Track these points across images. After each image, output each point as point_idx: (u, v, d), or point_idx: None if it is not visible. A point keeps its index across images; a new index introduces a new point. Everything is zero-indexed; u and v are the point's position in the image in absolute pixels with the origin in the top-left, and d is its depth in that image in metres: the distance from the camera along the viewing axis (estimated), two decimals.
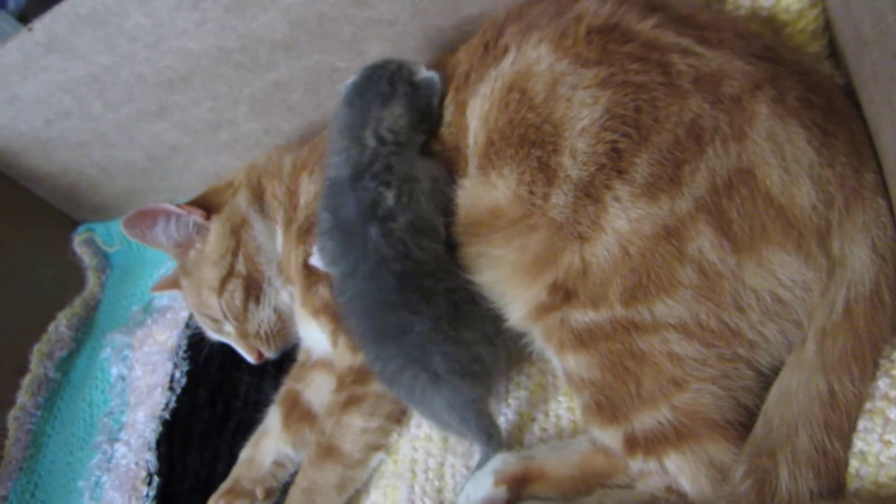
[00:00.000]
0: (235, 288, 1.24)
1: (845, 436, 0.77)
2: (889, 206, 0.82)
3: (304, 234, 1.19)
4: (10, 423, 1.45)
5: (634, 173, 0.84)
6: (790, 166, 0.80)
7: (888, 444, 0.75)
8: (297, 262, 1.20)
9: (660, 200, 0.82)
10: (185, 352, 1.39)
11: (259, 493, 1.15)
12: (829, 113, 0.84)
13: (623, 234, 0.83)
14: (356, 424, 1.05)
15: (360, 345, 1.01)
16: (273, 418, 1.23)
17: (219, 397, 1.33)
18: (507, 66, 0.98)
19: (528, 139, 0.91)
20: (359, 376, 1.08)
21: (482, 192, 0.97)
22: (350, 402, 1.06)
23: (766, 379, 0.82)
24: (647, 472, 0.84)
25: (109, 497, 1.27)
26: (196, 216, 1.25)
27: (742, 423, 0.81)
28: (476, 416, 0.92)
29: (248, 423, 1.26)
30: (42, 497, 1.39)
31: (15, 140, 1.48)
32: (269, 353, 1.27)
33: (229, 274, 1.24)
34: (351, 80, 1.11)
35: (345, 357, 1.11)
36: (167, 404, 1.33)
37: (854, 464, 0.76)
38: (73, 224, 1.73)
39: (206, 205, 1.28)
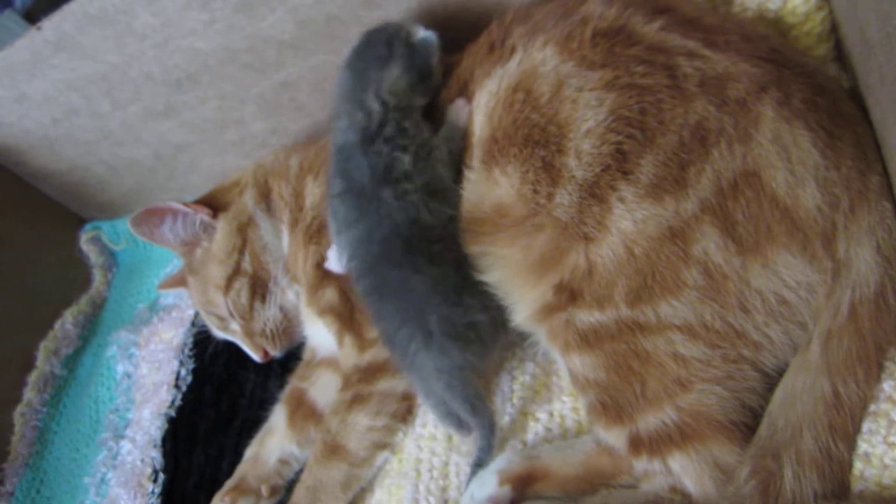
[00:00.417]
0: (241, 286, 1.24)
1: (850, 438, 0.78)
2: (894, 209, 0.83)
3: (313, 234, 1.20)
4: (17, 419, 1.46)
5: (639, 174, 0.84)
6: (795, 168, 0.80)
7: (892, 445, 0.75)
8: (304, 262, 1.20)
9: (665, 202, 0.83)
10: (190, 350, 1.40)
11: (264, 490, 1.16)
12: (834, 115, 0.84)
13: (628, 234, 0.84)
14: (362, 423, 1.06)
15: (366, 303, 1.02)
16: (278, 416, 1.23)
17: (224, 395, 1.33)
18: (514, 66, 0.99)
19: (533, 139, 0.92)
20: (365, 375, 1.08)
21: (486, 188, 0.98)
22: (356, 401, 1.07)
23: (771, 380, 0.83)
24: (652, 472, 0.85)
25: (115, 493, 1.28)
26: (203, 215, 1.26)
27: (746, 425, 0.81)
28: (461, 383, 0.93)
29: (253, 422, 1.27)
30: (48, 493, 1.40)
31: (23, 138, 1.49)
32: (275, 352, 1.28)
33: (235, 272, 1.25)
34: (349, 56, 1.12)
35: (350, 356, 1.12)
36: (173, 402, 1.34)
37: (858, 465, 0.76)
38: (80, 222, 1.73)
39: (213, 203, 1.29)
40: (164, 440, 1.29)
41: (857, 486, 0.76)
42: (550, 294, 0.90)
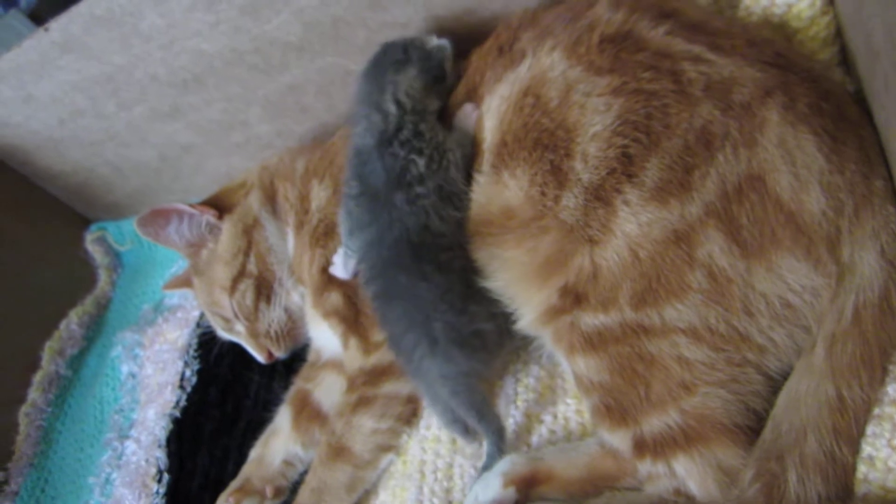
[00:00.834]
0: (247, 288, 1.25)
1: (854, 441, 0.78)
2: None
3: (318, 238, 1.20)
4: (21, 419, 1.46)
5: (644, 177, 0.85)
6: (800, 172, 0.81)
7: None
8: (310, 265, 1.21)
9: (670, 205, 0.83)
10: (195, 350, 1.40)
11: (268, 491, 1.16)
12: (839, 120, 0.84)
13: (633, 237, 0.84)
14: (367, 425, 1.06)
15: (374, 306, 1.02)
16: (283, 418, 1.24)
17: (229, 396, 1.34)
18: (524, 70, 0.99)
19: (542, 143, 0.92)
20: (370, 378, 1.09)
21: (494, 191, 0.98)
22: (361, 404, 1.07)
23: (775, 383, 0.83)
24: (656, 474, 0.85)
25: (119, 493, 1.28)
26: (209, 216, 1.27)
27: (751, 427, 0.82)
28: (466, 390, 0.94)
29: (257, 423, 1.27)
30: (52, 493, 1.40)
31: (29, 139, 1.49)
32: (279, 353, 1.28)
33: (241, 274, 1.25)
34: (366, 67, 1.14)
35: (356, 359, 1.12)
36: (177, 402, 1.34)
37: (862, 469, 0.77)
38: (85, 222, 1.74)
39: (219, 205, 1.29)
40: (169, 441, 1.29)
41: (860, 489, 0.76)
42: (555, 297, 0.90)
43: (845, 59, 1.02)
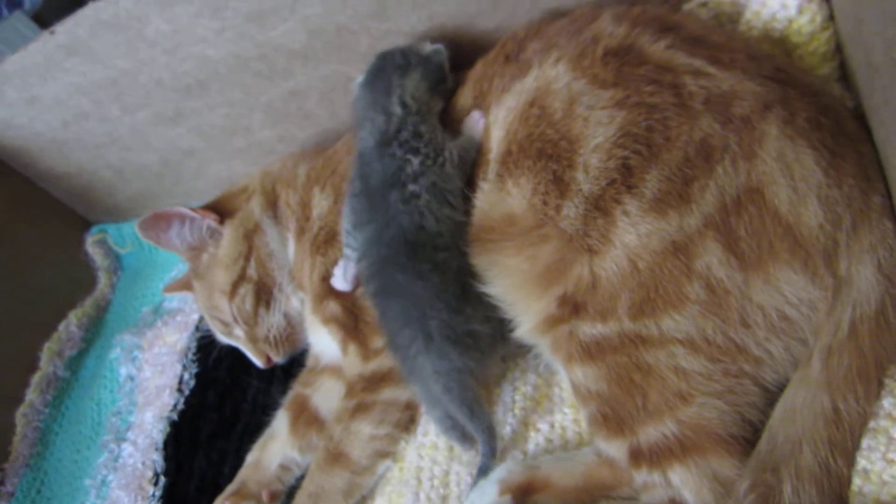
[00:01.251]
0: (246, 292, 1.25)
1: (849, 453, 0.78)
2: None
3: (319, 246, 1.20)
4: (18, 419, 1.46)
5: (644, 189, 0.85)
6: (798, 186, 0.81)
7: (891, 462, 0.75)
8: (310, 272, 1.21)
9: (668, 216, 0.84)
10: (194, 354, 1.40)
11: (265, 495, 1.16)
12: (838, 135, 0.85)
13: (632, 248, 0.85)
14: (365, 431, 1.06)
15: (373, 304, 1.04)
16: (280, 422, 1.24)
17: (227, 400, 1.34)
18: (531, 81, 1.00)
19: (546, 153, 0.93)
20: (368, 384, 1.09)
21: (498, 198, 0.99)
22: (359, 410, 1.07)
23: (772, 395, 0.83)
24: (652, 484, 0.85)
25: (115, 496, 1.28)
26: (210, 220, 1.27)
27: (746, 439, 0.82)
28: (459, 386, 0.94)
29: (255, 427, 1.27)
30: (48, 494, 1.40)
31: (32, 140, 1.50)
32: (278, 358, 1.28)
33: (241, 278, 1.26)
34: (361, 77, 1.17)
35: (355, 365, 1.12)
36: (175, 405, 1.34)
37: (857, 482, 0.77)
38: (86, 225, 1.74)
39: (220, 209, 1.30)
40: (166, 443, 1.29)
41: (855, 502, 0.76)
42: (554, 306, 0.90)
43: (845, 74, 1.03)
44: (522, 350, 1.04)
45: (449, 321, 0.95)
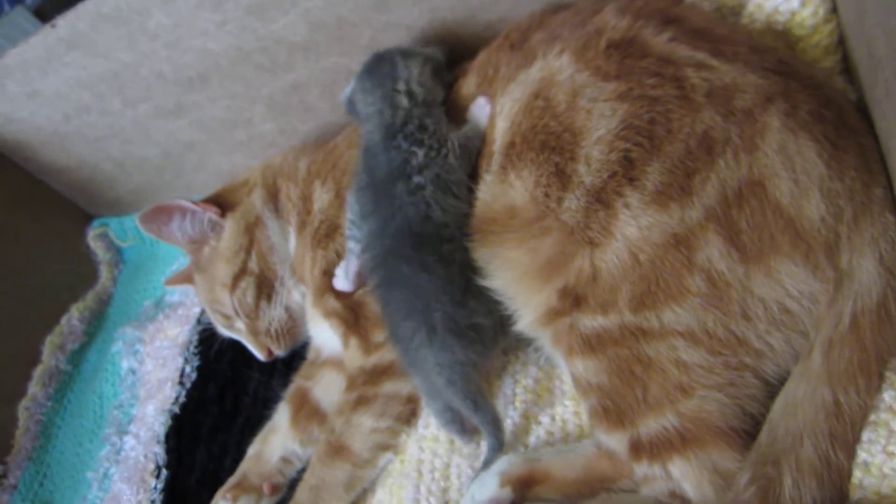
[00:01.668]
0: (248, 285, 1.25)
1: (849, 446, 0.78)
2: None
3: (321, 239, 1.21)
4: (21, 413, 1.47)
5: (646, 181, 0.85)
6: (800, 178, 0.81)
7: (892, 455, 0.75)
8: (312, 266, 1.21)
9: (670, 209, 0.84)
10: (195, 347, 1.40)
11: (266, 488, 1.16)
12: (840, 127, 0.85)
13: (633, 240, 0.85)
14: (366, 424, 1.06)
15: (376, 295, 1.04)
16: (281, 415, 1.24)
17: (228, 393, 1.34)
18: (535, 72, 1.00)
19: (549, 145, 0.93)
20: (370, 378, 1.09)
21: (500, 190, 0.99)
22: (360, 403, 1.07)
23: (772, 388, 0.83)
24: (652, 477, 0.85)
25: (118, 489, 1.28)
26: (211, 213, 1.27)
27: (747, 431, 0.82)
28: (462, 379, 0.94)
29: (256, 420, 1.27)
30: (50, 487, 1.41)
31: (34, 134, 1.50)
32: (279, 351, 1.29)
33: (242, 271, 1.26)
34: (348, 88, 1.17)
35: (356, 358, 1.12)
36: (177, 398, 1.34)
37: (857, 474, 0.77)
38: (88, 218, 1.75)
39: (222, 202, 1.30)
40: (168, 436, 1.30)
41: (855, 494, 0.76)
42: (555, 298, 0.90)
43: (847, 67, 1.02)
44: (522, 343, 1.04)
45: (453, 314, 0.95)
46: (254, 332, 1.28)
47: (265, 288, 1.27)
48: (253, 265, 1.27)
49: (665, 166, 0.85)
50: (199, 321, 1.44)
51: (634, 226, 0.85)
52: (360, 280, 1.12)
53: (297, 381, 1.27)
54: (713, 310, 0.81)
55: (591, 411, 0.90)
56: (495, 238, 0.97)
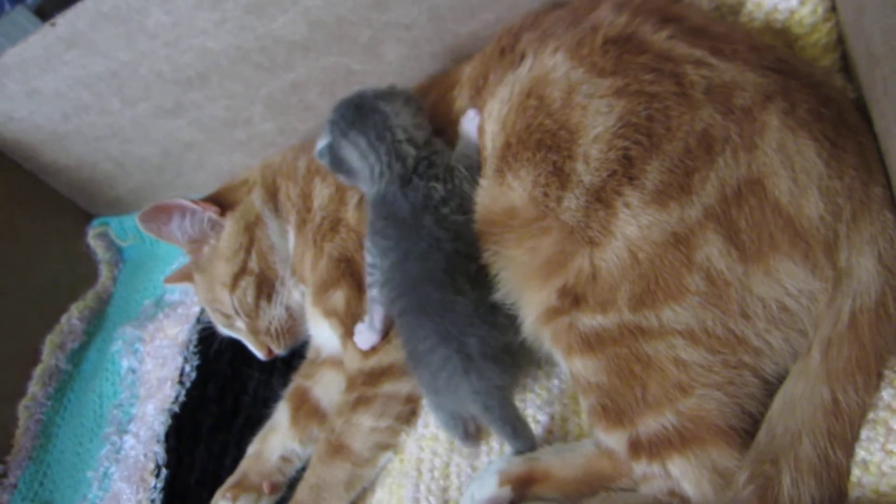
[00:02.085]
0: (248, 285, 1.25)
1: (848, 445, 0.78)
2: None
3: (325, 233, 1.21)
4: (21, 412, 1.47)
5: (645, 180, 0.85)
6: (799, 177, 0.81)
7: (890, 453, 0.76)
8: (312, 263, 1.21)
9: (669, 208, 0.84)
10: (195, 346, 1.40)
11: (265, 487, 1.16)
12: (839, 126, 0.85)
13: (633, 239, 0.85)
14: (366, 424, 1.06)
15: (399, 323, 1.02)
16: (281, 414, 1.24)
17: (228, 392, 1.34)
18: (525, 72, 1.00)
19: (545, 144, 0.93)
20: (369, 378, 1.09)
21: (498, 192, 0.99)
22: (360, 402, 1.08)
23: (771, 386, 0.83)
24: (651, 475, 0.85)
25: (118, 488, 1.28)
26: (211, 212, 1.27)
27: (746, 430, 0.82)
28: (500, 404, 0.94)
29: (256, 419, 1.27)
30: (51, 486, 1.41)
31: (33, 133, 1.50)
32: (279, 350, 1.29)
33: (242, 271, 1.26)
34: (322, 142, 1.12)
35: (355, 359, 1.12)
36: (176, 398, 1.34)
37: (856, 472, 0.77)
38: (88, 217, 1.75)
39: (222, 202, 1.30)
40: (168, 436, 1.30)
41: (854, 493, 0.76)
42: (554, 297, 0.90)
43: (846, 65, 1.02)
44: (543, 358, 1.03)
45: (487, 337, 0.95)
46: (254, 332, 1.28)
47: (265, 287, 1.27)
48: (253, 264, 1.27)
49: (665, 165, 0.85)
50: (198, 320, 1.44)
51: (634, 225, 0.85)
52: (387, 324, 1.10)
53: (297, 381, 1.28)
54: (712, 308, 0.82)
55: (590, 410, 0.90)
56: (496, 238, 0.98)
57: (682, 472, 0.82)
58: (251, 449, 1.22)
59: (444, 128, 1.14)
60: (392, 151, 1.06)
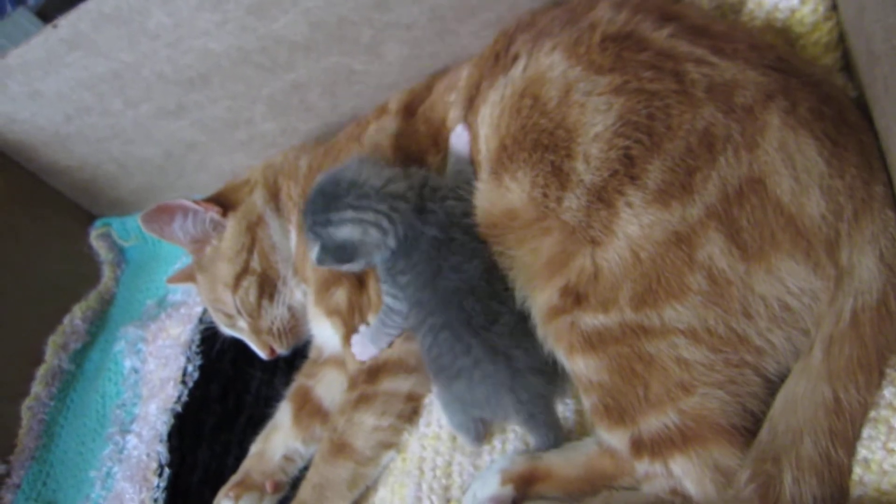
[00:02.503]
0: (250, 285, 1.25)
1: (849, 443, 0.78)
2: None
3: None
4: (24, 412, 1.47)
5: (647, 179, 0.85)
6: (800, 176, 0.81)
7: (892, 452, 0.76)
8: (313, 263, 1.21)
9: (671, 207, 0.84)
10: (198, 346, 1.41)
11: (268, 486, 1.17)
12: (840, 124, 0.85)
13: (634, 239, 0.85)
14: (368, 422, 1.06)
15: (432, 340, 0.99)
16: (284, 413, 1.24)
17: (230, 392, 1.35)
18: (518, 73, 1.00)
19: (542, 144, 0.93)
20: (370, 376, 1.09)
21: (496, 195, 0.99)
22: (362, 401, 1.08)
23: (773, 385, 0.83)
24: (653, 474, 0.85)
25: (120, 487, 1.29)
26: (213, 213, 1.27)
27: (748, 429, 0.82)
28: (544, 411, 0.95)
29: (258, 418, 1.28)
30: (54, 486, 1.41)
31: (35, 134, 1.50)
32: (281, 350, 1.29)
33: (244, 271, 1.26)
34: (315, 248, 1.06)
35: (357, 359, 1.12)
36: (179, 397, 1.34)
37: (858, 471, 0.77)
38: (90, 218, 1.75)
39: (224, 202, 1.30)
40: (170, 435, 1.30)
41: (856, 491, 0.76)
42: (556, 296, 0.90)
43: (848, 64, 1.02)
44: None
45: (530, 349, 0.95)
46: (256, 331, 1.28)
47: (267, 287, 1.27)
48: (255, 264, 1.27)
49: (666, 164, 0.85)
50: (201, 320, 1.44)
51: (636, 224, 0.85)
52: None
53: (299, 380, 1.28)
54: (714, 307, 0.82)
55: (592, 409, 0.90)
56: (499, 240, 0.98)
57: (684, 470, 0.82)
58: (254, 448, 1.23)
59: (438, 130, 1.15)
60: (385, 199, 1.02)
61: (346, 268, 1.08)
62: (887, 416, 0.77)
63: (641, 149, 0.86)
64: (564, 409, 1.02)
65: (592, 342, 0.87)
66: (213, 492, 1.18)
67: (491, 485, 0.93)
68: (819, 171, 0.81)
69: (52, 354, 1.54)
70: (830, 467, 0.77)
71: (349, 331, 1.15)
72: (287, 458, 1.20)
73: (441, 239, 1.00)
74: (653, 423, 0.84)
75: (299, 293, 1.28)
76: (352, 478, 1.06)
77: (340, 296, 1.16)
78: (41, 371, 1.52)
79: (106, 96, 1.41)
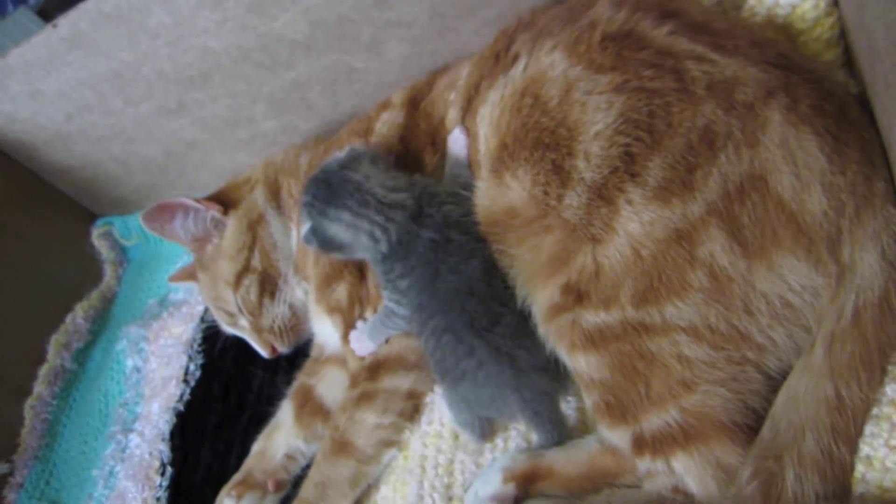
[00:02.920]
0: (251, 283, 1.25)
1: (852, 440, 0.78)
2: None
3: None
4: (27, 411, 1.48)
5: (647, 177, 0.85)
6: (802, 173, 0.81)
7: (894, 449, 0.76)
8: (313, 260, 1.21)
9: (672, 204, 0.84)
10: (199, 345, 1.41)
11: (270, 485, 1.17)
12: (841, 121, 0.84)
13: (635, 236, 0.85)
14: (369, 420, 1.06)
15: (436, 342, 0.99)
16: (285, 412, 1.24)
17: (232, 391, 1.35)
18: (518, 72, 1.00)
19: (543, 142, 0.93)
20: (370, 374, 1.09)
21: (497, 193, 0.99)
22: (363, 399, 1.08)
23: (775, 382, 0.83)
24: (655, 472, 0.85)
25: (123, 486, 1.29)
26: (214, 211, 1.27)
27: (749, 426, 0.82)
28: (549, 409, 0.95)
29: (260, 417, 1.28)
30: (56, 485, 1.42)
31: (36, 134, 1.50)
32: (283, 348, 1.29)
33: (245, 269, 1.26)
34: (307, 227, 1.06)
35: (355, 356, 1.12)
36: (181, 396, 1.35)
37: (860, 468, 0.77)
38: (92, 217, 1.75)
39: (224, 200, 1.30)
40: (173, 434, 1.31)
41: (858, 488, 0.76)
42: (557, 294, 0.90)
43: (849, 60, 1.02)
44: None
45: (532, 348, 0.95)
46: (257, 330, 1.28)
47: (268, 285, 1.27)
48: (256, 262, 1.27)
49: (667, 161, 0.85)
50: (202, 319, 1.45)
51: (637, 221, 0.85)
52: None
53: (301, 378, 1.28)
54: (715, 304, 0.82)
55: (593, 407, 0.90)
56: (498, 238, 0.98)
57: (686, 468, 0.82)
58: (256, 447, 1.23)
59: (436, 129, 1.15)
60: (382, 209, 1.02)
61: (330, 256, 1.10)
62: (889, 413, 0.77)
63: (642, 146, 0.86)
64: (566, 407, 1.02)
65: (594, 340, 0.87)
66: (216, 490, 1.18)
67: (493, 483, 0.93)
68: (820, 167, 0.81)
69: (55, 354, 1.55)
70: (833, 464, 0.77)
71: (349, 328, 1.15)
72: (289, 457, 1.20)
73: (437, 240, 1.00)
74: (654, 420, 0.84)
75: (300, 291, 1.28)
76: (353, 476, 1.07)
77: (341, 292, 1.16)
78: (44, 370, 1.52)
79: (107, 95, 1.41)
